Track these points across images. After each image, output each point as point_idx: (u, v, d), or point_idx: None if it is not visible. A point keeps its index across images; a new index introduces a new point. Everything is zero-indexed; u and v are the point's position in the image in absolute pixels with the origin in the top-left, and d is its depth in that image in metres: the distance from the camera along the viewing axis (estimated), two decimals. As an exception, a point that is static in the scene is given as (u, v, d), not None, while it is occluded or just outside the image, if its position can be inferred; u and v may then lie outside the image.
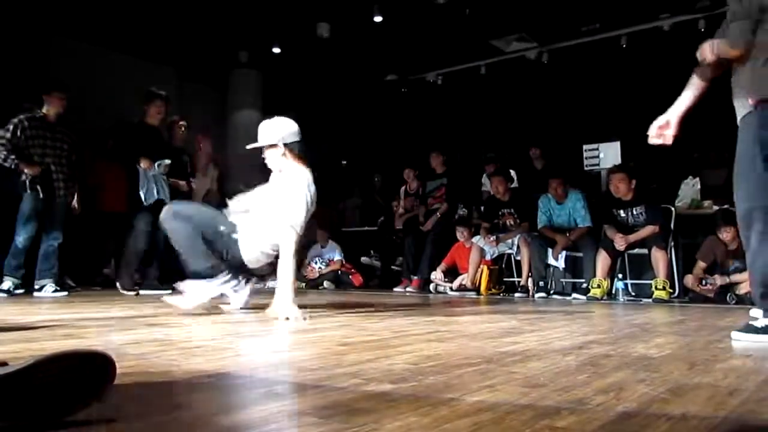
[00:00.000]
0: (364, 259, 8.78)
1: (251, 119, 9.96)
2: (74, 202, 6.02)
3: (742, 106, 2.49)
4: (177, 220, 3.63)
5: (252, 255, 3.70)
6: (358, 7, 7.74)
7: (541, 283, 6.16)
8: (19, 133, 5.45)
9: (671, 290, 5.45)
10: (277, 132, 3.75)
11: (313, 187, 3.65)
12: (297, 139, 3.78)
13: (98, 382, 1.05)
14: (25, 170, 5.44)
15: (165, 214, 3.68)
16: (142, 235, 5.74)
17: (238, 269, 3.73)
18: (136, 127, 6.07)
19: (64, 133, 5.80)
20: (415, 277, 7.24)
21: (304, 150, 3.81)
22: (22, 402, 0.97)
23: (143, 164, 5.81)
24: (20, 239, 5.40)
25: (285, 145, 3.71)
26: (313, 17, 8.10)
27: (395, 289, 7.25)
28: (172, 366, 1.72)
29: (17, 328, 2.63)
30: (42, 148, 5.58)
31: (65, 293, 5.53)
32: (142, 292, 5.75)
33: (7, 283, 5.34)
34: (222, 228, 3.70)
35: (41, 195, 5.51)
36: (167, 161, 5.97)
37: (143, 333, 2.57)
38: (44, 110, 5.65)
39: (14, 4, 7.13)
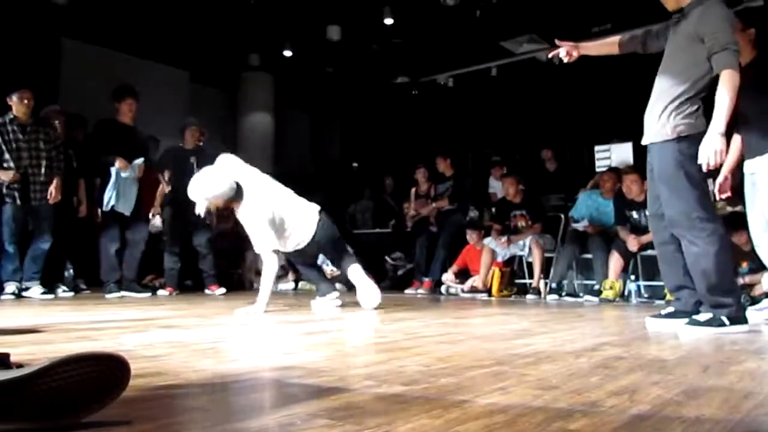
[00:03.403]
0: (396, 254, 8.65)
1: (263, 122, 10.01)
2: (82, 206, 6.06)
3: (658, 133, 2.97)
4: None
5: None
6: (369, 10, 7.75)
7: (554, 285, 6.13)
8: None
9: (684, 292, 5.40)
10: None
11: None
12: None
13: (113, 384, 1.06)
14: (1, 176, 5.41)
15: None
16: (108, 250, 5.79)
17: None
18: (108, 126, 5.91)
19: (40, 131, 5.66)
20: (427, 279, 7.23)
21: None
22: (39, 403, 0.98)
23: (119, 164, 5.67)
24: (8, 245, 5.43)
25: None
26: (323, 20, 8.12)
27: (406, 291, 7.25)
28: (185, 368, 1.73)
29: (32, 330, 2.66)
30: (17, 152, 5.50)
31: (52, 296, 5.55)
32: (123, 293, 5.79)
33: (11, 287, 5.37)
34: None
35: (18, 201, 5.47)
36: (141, 161, 5.86)
37: (155, 335, 2.59)
38: (14, 112, 5.55)
39: (26, 6, 7.20)
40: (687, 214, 2.84)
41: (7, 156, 5.47)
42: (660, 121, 2.95)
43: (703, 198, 2.85)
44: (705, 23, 2.82)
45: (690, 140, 2.83)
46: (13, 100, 5.56)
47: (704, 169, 2.82)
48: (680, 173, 2.85)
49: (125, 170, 5.72)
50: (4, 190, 5.45)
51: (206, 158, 6.60)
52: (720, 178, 3.43)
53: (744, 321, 2.82)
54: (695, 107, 2.88)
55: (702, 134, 2.79)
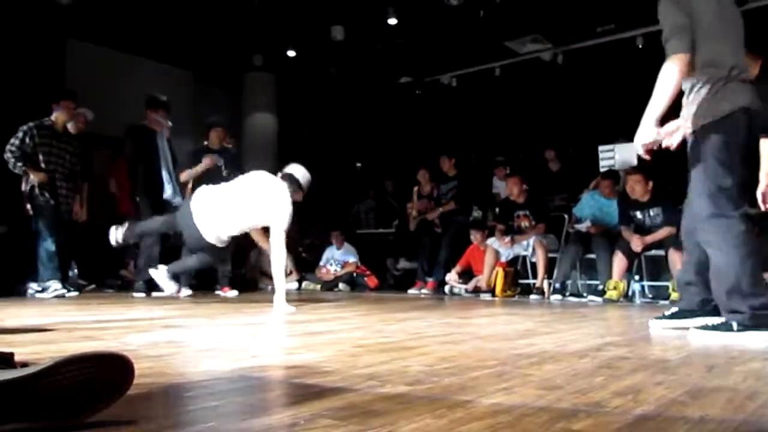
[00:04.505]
0: (402, 263, 8.66)
1: (266, 122, 10.02)
2: (82, 212, 6.13)
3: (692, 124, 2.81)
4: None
5: (211, 233, 4.52)
6: (372, 10, 7.76)
7: (557, 285, 6.12)
8: (27, 140, 5.57)
9: (688, 292, 5.38)
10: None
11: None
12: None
13: (117, 384, 1.06)
14: (31, 176, 5.55)
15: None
16: (151, 238, 5.81)
17: (204, 247, 4.68)
18: (141, 131, 6.09)
19: (70, 142, 5.91)
20: (430, 279, 7.23)
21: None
22: (43, 403, 0.99)
23: (161, 129, 6.00)
24: (48, 244, 5.55)
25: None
26: (327, 20, 8.12)
27: (410, 291, 7.25)
28: (189, 368, 1.74)
29: (36, 329, 2.67)
30: (47, 155, 5.68)
31: (68, 293, 5.62)
32: (153, 294, 5.81)
33: (57, 285, 5.49)
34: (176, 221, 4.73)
35: (51, 201, 5.64)
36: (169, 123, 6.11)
37: (159, 334, 2.60)
38: (53, 118, 5.75)
39: (31, 7, 7.22)
40: (703, 208, 2.71)
41: (41, 157, 5.65)
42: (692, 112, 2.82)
43: (719, 192, 2.66)
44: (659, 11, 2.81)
45: (709, 129, 2.70)
46: (58, 108, 5.77)
47: (640, 153, 2.83)
48: (701, 164, 2.73)
49: (164, 130, 6.03)
50: (36, 191, 5.59)
51: (233, 159, 6.64)
52: (762, 187, 3.07)
53: (759, 328, 2.56)
54: (708, 92, 2.72)
55: (724, 119, 2.66)
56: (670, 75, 2.72)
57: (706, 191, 2.70)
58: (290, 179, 4.64)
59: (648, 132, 2.77)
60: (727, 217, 2.63)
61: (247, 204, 4.52)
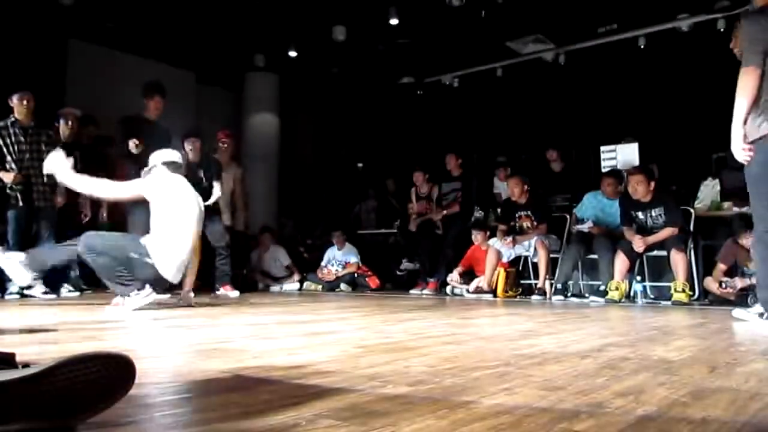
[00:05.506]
0: (406, 264, 8.64)
1: (268, 122, 10.03)
2: (85, 210, 6.12)
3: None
4: (93, 254, 4.07)
5: (170, 270, 4.16)
6: (374, 10, 7.76)
7: (559, 286, 6.11)
8: None
9: (691, 293, 5.38)
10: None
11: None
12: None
13: (118, 384, 1.06)
14: (3, 178, 5.48)
15: (81, 248, 4.10)
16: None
17: (161, 283, 4.21)
18: (134, 121, 5.94)
19: (42, 134, 5.77)
20: (432, 280, 7.22)
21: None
22: (44, 403, 0.99)
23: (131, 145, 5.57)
24: (12, 245, 5.48)
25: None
26: (329, 21, 8.13)
27: (412, 292, 7.25)
28: (190, 368, 1.73)
29: (37, 330, 2.67)
30: (19, 154, 5.59)
31: (54, 296, 5.62)
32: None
33: (16, 287, 5.43)
34: (132, 254, 4.11)
35: (20, 203, 5.54)
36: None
37: (161, 335, 2.60)
38: (15, 115, 5.64)
39: (33, 7, 7.22)
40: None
41: (9, 158, 5.57)
42: None
43: (751, 200, 3.03)
44: None
45: (754, 146, 2.99)
46: (14, 102, 5.65)
47: (740, 159, 3.08)
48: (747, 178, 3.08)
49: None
50: (7, 191, 5.52)
51: (211, 168, 6.63)
52: None
53: None
54: (754, 112, 2.97)
55: (759, 140, 2.92)
56: (739, 87, 3.00)
57: (752, 204, 3.08)
58: None
59: (735, 139, 3.06)
60: (760, 232, 3.04)
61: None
